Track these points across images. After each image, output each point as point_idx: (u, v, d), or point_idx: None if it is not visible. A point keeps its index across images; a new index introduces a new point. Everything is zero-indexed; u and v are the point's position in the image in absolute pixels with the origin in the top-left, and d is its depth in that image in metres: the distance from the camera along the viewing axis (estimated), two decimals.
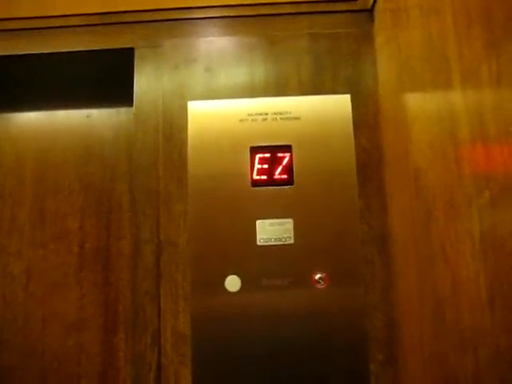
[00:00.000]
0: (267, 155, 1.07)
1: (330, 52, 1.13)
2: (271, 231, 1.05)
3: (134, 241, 1.08)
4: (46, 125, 1.39)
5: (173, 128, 1.10)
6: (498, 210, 0.55)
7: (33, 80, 1.32)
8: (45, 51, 1.16)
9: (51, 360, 1.26)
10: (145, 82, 1.14)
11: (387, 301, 1.02)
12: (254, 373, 1.01)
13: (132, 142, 1.15)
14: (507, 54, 0.52)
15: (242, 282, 1.03)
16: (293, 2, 1.15)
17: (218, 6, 1.16)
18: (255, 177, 1.07)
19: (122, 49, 1.15)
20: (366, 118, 1.09)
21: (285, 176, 1.07)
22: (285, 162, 1.07)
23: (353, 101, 1.10)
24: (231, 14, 1.16)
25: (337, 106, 1.10)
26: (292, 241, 1.04)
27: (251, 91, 1.12)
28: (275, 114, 1.10)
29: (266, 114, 1.10)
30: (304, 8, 1.15)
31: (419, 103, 0.84)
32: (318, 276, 1.03)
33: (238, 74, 1.13)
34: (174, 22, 1.16)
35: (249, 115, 1.10)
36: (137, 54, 1.15)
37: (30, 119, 1.40)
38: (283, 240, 1.04)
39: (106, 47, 1.15)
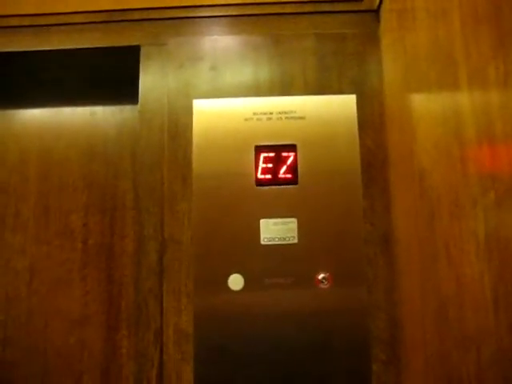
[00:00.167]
0: (272, 154, 1.07)
1: (335, 52, 1.13)
2: (275, 230, 1.05)
3: (138, 238, 1.08)
4: (50, 122, 1.39)
5: (177, 126, 1.11)
6: (503, 210, 0.55)
7: (38, 77, 1.32)
8: (51, 48, 1.16)
9: (54, 356, 1.26)
10: (150, 79, 1.14)
11: (390, 301, 1.02)
12: (256, 371, 1.01)
13: (136, 139, 1.15)
14: None
15: (245, 280, 1.03)
16: (298, 2, 1.15)
17: (223, 4, 1.16)
18: (259, 176, 1.07)
19: (127, 46, 1.16)
20: (371, 119, 1.09)
21: (289, 175, 1.07)
22: (289, 161, 1.07)
23: (358, 101, 1.10)
24: (237, 13, 1.16)
25: (342, 106, 1.10)
26: (296, 240, 1.04)
27: (256, 90, 1.12)
28: (280, 113, 1.10)
29: (271, 113, 1.10)
30: (309, 8, 1.15)
31: (425, 103, 0.84)
32: (321, 276, 1.03)
33: (243, 73, 1.13)
34: (180, 21, 1.16)
35: (254, 114, 1.10)
36: (142, 51, 1.15)
37: (34, 116, 1.40)
38: (287, 239, 1.04)
39: (111, 45, 1.16)
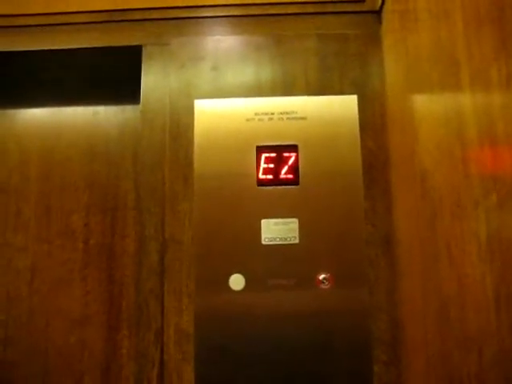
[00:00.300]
0: (273, 155, 1.07)
1: (337, 53, 1.13)
2: (276, 231, 1.05)
3: (139, 238, 1.08)
4: (51, 122, 1.39)
5: (179, 126, 1.11)
6: (505, 211, 0.55)
7: (39, 76, 1.32)
8: (52, 48, 1.16)
9: (54, 356, 1.26)
10: (152, 79, 1.14)
11: (391, 301, 1.02)
12: (257, 372, 1.02)
13: (138, 139, 1.15)
14: None
15: (246, 280, 1.03)
16: (300, 2, 1.15)
17: (225, 4, 1.16)
18: (261, 176, 1.07)
19: (129, 46, 1.16)
20: (372, 119, 1.09)
21: (290, 176, 1.07)
22: (291, 161, 1.07)
23: (359, 102, 1.10)
24: (238, 14, 1.16)
25: (343, 106, 1.10)
26: (297, 241, 1.04)
27: (258, 90, 1.12)
28: (282, 113, 1.10)
29: (273, 113, 1.10)
30: (311, 8, 1.15)
31: (426, 104, 0.84)
32: (322, 276, 1.03)
33: (245, 73, 1.13)
34: (182, 21, 1.16)
35: (255, 114, 1.10)
36: (144, 51, 1.15)
37: (36, 116, 1.40)
38: (288, 240, 1.05)
39: (113, 44, 1.16)
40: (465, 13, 0.66)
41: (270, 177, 1.07)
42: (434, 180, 0.78)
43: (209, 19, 1.16)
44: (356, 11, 1.15)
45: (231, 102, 1.11)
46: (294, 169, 1.07)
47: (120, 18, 1.16)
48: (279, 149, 1.08)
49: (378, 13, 1.13)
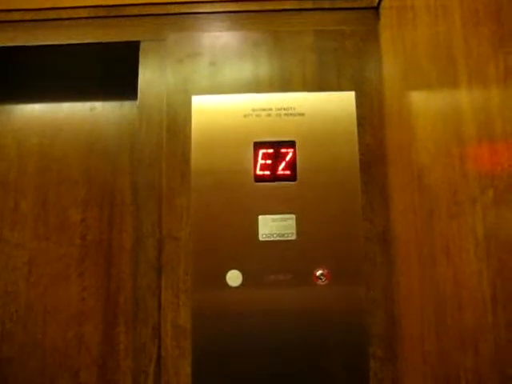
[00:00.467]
0: (270, 151, 1.07)
1: (335, 49, 1.13)
2: (273, 227, 1.05)
3: (136, 234, 1.08)
4: (49, 117, 1.39)
5: (176, 122, 1.10)
6: (502, 208, 0.56)
7: (37, 72, 1.32)
8: (50, 43, 1.16)
9: (52, 351, 1.26)
10: (149, 75, 1.14)
11: (388, 298, 1.02)
12: (254, 368, 1.02)
13: (135, 135, 1.15)
14: None
15: (243, 276, 1.03)
16: None
17: (223, 0, 1.16)
18: (258, 172, 1.07)
19: (127, 42, 1.15)
20: (370, 116, 1.09)
21: (288, 172, 1.07)
22: (288, 157, 1.07)
23: (357, 98, 1.10)
24: (236, 9, 1.16)
25: (341, 102, 1.10)
26: (294, 237, 1.05)
27: (255, 86, 1.12)
28: (279, 109, 1.10)
29: (270, 109, 1.10)
30: (309, 4, 1.15)
31: (424, 101, 0.84)
32: (319, 272, 1.03)
33: (243, 69, 1.13)
34: (180, 16, 1.16)
35: (253, 110, 1.10)
36: (142, 47, 1.15)
37: (33, 111, 1.40)
38: (285, 236, 1.05)
39: (111, 40, 1.16)
40: (463, 9, 0.66)
41: (267, 173, 1.07)
42: (431, 176, 0.79)
43: (206, 15, 1.16)
44: (354, 7, 1.14)
45: (229, 97, 1.11)
46: (292, 165, 1.07)
47: (117, 14, 1.15)
48: (277, 145, 1.08)
49: (375, 9, 1.13)
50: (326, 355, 1.02)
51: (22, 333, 1.27)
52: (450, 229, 0.71)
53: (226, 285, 1.03)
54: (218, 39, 1.15)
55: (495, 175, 0.57)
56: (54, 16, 1.16)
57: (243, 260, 1.04)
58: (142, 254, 1.07)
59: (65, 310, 1.28)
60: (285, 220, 1.05)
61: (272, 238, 1.05)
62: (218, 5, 1.16)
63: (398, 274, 1.00)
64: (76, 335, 1.27)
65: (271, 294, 1.03)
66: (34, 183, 1.34)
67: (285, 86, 1.12)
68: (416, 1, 0.86)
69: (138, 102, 1.13)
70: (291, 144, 1.08)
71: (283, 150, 1.07)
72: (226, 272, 1.04)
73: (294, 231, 1.05)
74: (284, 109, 1.10)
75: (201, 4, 1.16)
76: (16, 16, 1.16)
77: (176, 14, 1.16)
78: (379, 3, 1.11)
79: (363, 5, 1.14)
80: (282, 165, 1.07)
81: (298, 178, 1.07)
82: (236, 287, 1.03)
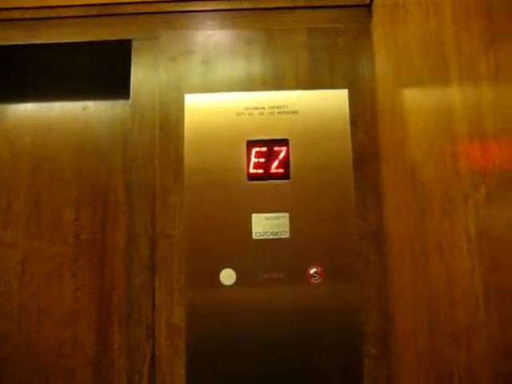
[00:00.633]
0: (264, 149, 1.07)
1: (327, 46, 1.12)
2: (267, 225, 1.05)
3: (129, 233, 1.08)
4: (41, 116, 1.38)
5: (169, 121, 1.10)
6: (494, 205, 0.56)
7: (29, 71, 1.31)
8: (42, 42, 1.15)
9: (46, 351, 1.26)
10: (141, 74, 1.14)
11: (382, 296, 1.02)
12: (248, 366, 1.02)
13: (128, 134, 1.15)
14: (506, 49, 0.52)
15: (236, 275, 1.03)
16: None
17: None
18: (251, 170, 1.07)
19: (119, 40, 1.15)
20: (363, 113, 1.09)
21: (281, 170, 1.07)
22: (281, 156, 1.07)
23: (350, 95, 1.10)
24: (229, 8, 1.16)
25: (334, 100, 1.10)
26: (287, 235, 1.05)
27: (248, 85, 1.12)
28: (272, 107, 1.10)
29: (263, 107, 1.10)
30: (302, 2, 1.15)
31: (416, 98, 0.84)
32: (313, 271, 1.03)
33: (236, 68, 1.13)
34: (172, 15, 1.15)
35: (246, 109, 1.10)
36: (134, 46, 1.14)
37: (26, 110, 1.39)
38: (279, 234, 1.05)
39: (103, 39, 1.15)
40: (454, 6, 0.66)
41: (260, 171, 1.07)
42: (423, 173, 0.79)
43: (199, 13, 1.16)
44: (346, 5, 1.14)
45: (221, 96, 1.11)
46: (285, 163, 1.07)
47: (109, 12, 1.15)
48: (270, 143, 1.08)
49: (368, 6, 1.13)
50: (321, 354, 1.02)
51: (16, 332, 1.27)
52: (442, 226, 0.71)
53: (220, 283, 1.03)
54: (211, 37, 1.14)
55: (487, 172, 0.57)
56: (45, 15, 1.15)
57: (237, 258, 1.04)
58: (136, 253, 1.06)
59: (59, 309, 1.27)
60: (278, 218, 1.05)
61: (265, 237, 1.04)
62: (210, 3, 1.16)
63: (392, 271, 1.00)
64: (70, 335, 1.27)
65: (265, 292, 1.03)
66: (26, 182, 1.34)
67: (278, 84, 1.12)
68: None
69: (130, 101, 1.13)
70: (284, 142, 1.08)
71: (276, 149, 1.07)
72: (220, 270, 1.04)
73: (288, 229, 1.05)
74: (277, 107, 1.10)
75: (194, 2, 1.16)
76: (6, 15, 1.15)
77: (169, 12, 1.15)
78: (371, 1, 1.11)
79: (355, 2, 1.14)
80: (275, 163, 1.07)
81: (292, 176, 1.06)
82: (230, 286, 1.03)
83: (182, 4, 1.15)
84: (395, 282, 0.98)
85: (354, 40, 1.13)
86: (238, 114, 1.10)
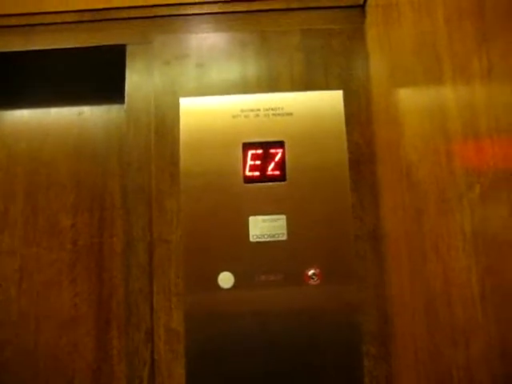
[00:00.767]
0: (259, 151, 1.07)
1: (321, 48, 1.12)
2: (264, 227, 1.05)
3: (127, 238, 1.08)
4: (37, 122, 1.38)
5: (164, 125, 1.10)
6: (488, 204, 0.56)
7: (24, 77, 1.31)
8: (36, 48, 1.15)
9: (45, 357, 1.26)
10: (136, 78, 1.14)
11: (380, 296, 1.02)
12: (248, 368, 1.02)
13: (124, 138, 1.14)
14: (498, 48, 0.52)
15: (234, 278, 1.03)
16: None
17: (209, 2, 1.16)
18: (247, 173, 1.07)
19: (113, 45, 1.15)
20: (358, 114, 1.09)
21: (277, 172, 1.07)
22: (277, 158, 1.07)
23: (345, 96, 1.10)
24: (223, 10, 1.16)
25: (329, 101, 1.10)
26: (285, 237, 1.04)
27: (243, 87, 1.12)
28: (267, 109, 1.09)
29: (259, 109, 1.10)
30: (296, 4, 1.15)
31: (411, 98, 0.84)
32: (310, 272, 1.03)
33: (230, 70, 1.13)
34: (166, 19, 1.15)
35: (241, 111, 1.10)
36: (128, 50, 1.14)
37: (22, 116, 1.39)
38: (276, 236, 1.04)
39: (97, 44, 1.15)
40: (446, 6, 0.66)
41: (256, 173, 1.06)
42: (418, 174, 0.79)
43: (192, 16, 1.16)
44: (340, 6, 1.14)
45: (216, 99, 1.11)
46: (281, 165, 1.07)
47: (103, 18, 1.15)
48: (266, 145, 1.08)
49: (361, 7, 1.13)
50: (320, 354, 1.02)
51: (15, 339, 1.27)
52: (438, 226, 0.71)
53: (218, 287, 1.03)
54: (205, 40, 1.14)
55: (481, 172, 0.57)
56: (39, 21, 1.15)
57: (234, 261, 1.04)
58: (133, 258, 1.06)
59: (57, 316, 1.27)
60: (275, 220, 1.05)
61: (263, 239, 1.04)
62: (204, 6, 1.16)
63: (389, 271, 1.00)
64: (69, 341, 1.26)
65: (263, 294, 1.03)
66: (23, 188, 1.34)
67: (273, 86, 1.12)
68: None
69: (125, 106, 1.13)
70: (280, 144, 1.08)
71: (272, 151, 1.07)
72: (218, 274, 1.03)
73: (285, 231, 1.04)
74: (272, 109, 1.10)
75: (187, 6, 1.16)
76: (3, 21, 1.15)
77: (162, 16, 1.15)
78: (365, 1, 1.11)
79: (349, 3, 1.14)
80: (272, 165, 1.07)
81: (288, 178, 1.06)
82: (228, 289, 1.03)
83: (175, 8, 1.15)
84: (393, 282, 0.98)
85: (349, 41, 1.13)
86: (233, 117, 1.10)
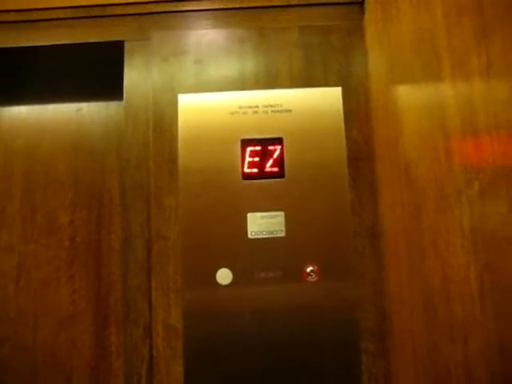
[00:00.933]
0: (258, 148, 1.07)
1: (320, 44, 1.12)
2: (262, 224, 1.05)
3: (125, 235, 1.08)
4: (35, 119, 1.38)
5: (163, 121, 1.10)
6: (487, 201, 0.55)
7: (22, 74, 1.31)
8: (34, 44, 1.15)
9: (43, 354, 1.26)
10: (134, 75, 1.13)
11: (378, 293, 1.02)
12: (246, 365, 1.02)
13: (122, 135, 1.14)
14: (497, 44, 0.52)
15: (233, 275, 1.03)
16: None
17: None
18: (246, 170, 1.06)
19: (111, 42, 1.14)
20: (357, 111, 1.09)
21: (276, 169, 1.06)
22: (276, 154, 1.07)
23: (344, 93, 1.10)
24: (221, 7, 1.15)
25: (328, 98, 1.09)
26: (283, 234, 1.04)
27: (242, 84, 1.11)
28: (266, 106, 1.09)
29: (257, 106, 1.09)
30: (295, 0, 1.15)
31: (410, 95, 0.84)
32: (309, 269, 1.03)
33: (229, 67, 1.12)
34: (164, 15, 1.15)
35: (239, 108, 1.09)
36: (126, 47, 1.14)
37: (19, 113, 1.39)
38: (274, 233, 1.04)
39: (96, 40, 1.15)
40: (444, 2, 0.66)
41: (255, 170, 1.06)
42: (417, 171, 0.78)
43: (191, 13, 1.16)
44: (338, 2, 1.14)
45: (215, 95, 1.11)
46: (279, 162, 1.07)
47: (101, 14, 1.14)
48: (264, 142, 1.08)
49: (360, 4, 1.13)
50: (318, 351, 1.02)
51: (13, 336, 1.27)
52: (437, 222, 0.71)
53: (217, 283, 1.03)
54: (204, 37, 1.14)
55: (480, 168, 0.57)
56: (37, 17, 1.14)
57: (233, 258, 1.04)
58: (131, 255, 1.06)
59: (55, 312, 1.27)
60: (274, 217, 1.05)
61: (261, 236, 1.04)
62: (203, 2, 1.16)
63: (388, 268, 1.00)
64: (67, 338, 1.26)
65: (262, 291, 1.03)
66: (20, 185, 1.33)
67: (271, 82, 1.11)
68: None
69: (123, 102, 1.13)
70: (279, 141, 1.07)
71: (271, 147, 1.07)
72: (216, 270, 1.03)
73: (283, 228, 1.04)
74: (271, 105, 1.09)
75: (185, 2, 1.16)
76: None
77: (160, 12, 1.15)
78: None
79: (348, 0, 1.14)
80: (270, 162, 1.06)
81: (286, 174, 1.06)
82: (226, 285, 1.03)
83: (173, 4, 1.15)
84: (391, 278, 0.98)
85: (348, 37, 1.12)
86: (231, 114, 1.09)
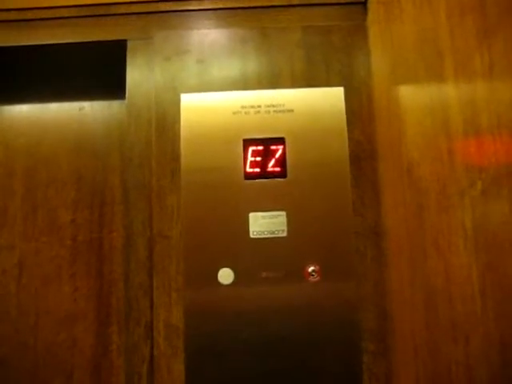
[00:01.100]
0: (260, 148, 1.07)
1: (322, 44, 1.12)
2: (264, 224, 1.05)
3: (127, 234, 1.08)
4: (37, 117, 1.38)
5: (165, 121, 1.10)
6: (490, 201, 0.56)
7: (24, 72, 1.31)
8: (36, 43, 1.15)
9: (44, 353, 1.26)
10: (137, 74, 1.13)
11: (380, 292, 1.02)
12: (247, 365, 1.02)
13: (124, 134, 1.14)
14: (499, 44, 0.52)
15: (234, 274, 1.03)
16: None
17: None
18: (248, 169, 1.06)
19: (114, 41, 1.15)
20: (359, 111, 1.09)
21: (278, 169, 1.07)
22: (278, 154, 1.07)
23: (346, 93, 1.10)
24: (224, 6, 1.16)
25: (330, 98, 1.09)
26: (285, 234, 1.04)
27: (244, 83, 1.12)
28: (268, 106, 1.09)
29: (259, 106, 1.09)
30: (297, 0, 1.15)
31: (412, 95, 0.84)
32: (310, 269, 1.03)
33: (231, 67, 1.12)
34: (167, 14, 1.15)
35: (242, 108, 1.09)
36: (129, 46, 1.14)
37: (21, 112, 1.39)
38: (276, 233, 1.04)
39: (98, 39, 1.15)
40: (447, 2, 0.66)
41: (257, 170, 1.06)
42: (420, 171, 0.79)
43: (193, 12, 1.16)
44: (341, 3, 1.14)
45: (217, 95, 1.11)
46: (282, 162, 1.07)
47: (103, 13, 1.14)
48: (266, 142, 1.08)
49: (363, 4, 1.13)
50: (319, 351, 1.02)
51: (15, 334, 1.27)
52: (439, 222, 0.71)
53: (218, 283, 1.03)
54: (206, 37, 1.14)
55: (483, 168, 0.57)
56: (39, 16, 1.15)
57: (235, 258, 1.04)
58: (133, 254, 1.06)
59: (57, 311, 1.27)
60: (275, 217, 1.05)
61: (263, 236, 1.04)
62: (205, 2, 1.16)
63: (389, 268, 1.00)
64: (69, 336, 1.26)
65: (263, 291, 1.03)
66: (22, 184, 1.33)
67: (273, 82, 1.12)
68: None
69: (126, 101, 1.13)
70: (281, 141, 1.08)
71: (273, 147, 1.07)
72: (218, 270, 1.03)
73: (285, 228, 1.04)
74: (273, 105, 1.10)
75: (188, 2, 1.16)
76: (1, 16, 1.15)
77: (163, 11, 1.15)
78: None
79: (350, 0, 1.14)
80: (272, 162, 1.07)
81: (288, 174, 1.06)
82: (228, 285, 1.03)
83: (176, 3, 1.15)
84: (393, 278, 0.98)
85: (350, 37, 1.13)
86: (234, 113, 1.10)
